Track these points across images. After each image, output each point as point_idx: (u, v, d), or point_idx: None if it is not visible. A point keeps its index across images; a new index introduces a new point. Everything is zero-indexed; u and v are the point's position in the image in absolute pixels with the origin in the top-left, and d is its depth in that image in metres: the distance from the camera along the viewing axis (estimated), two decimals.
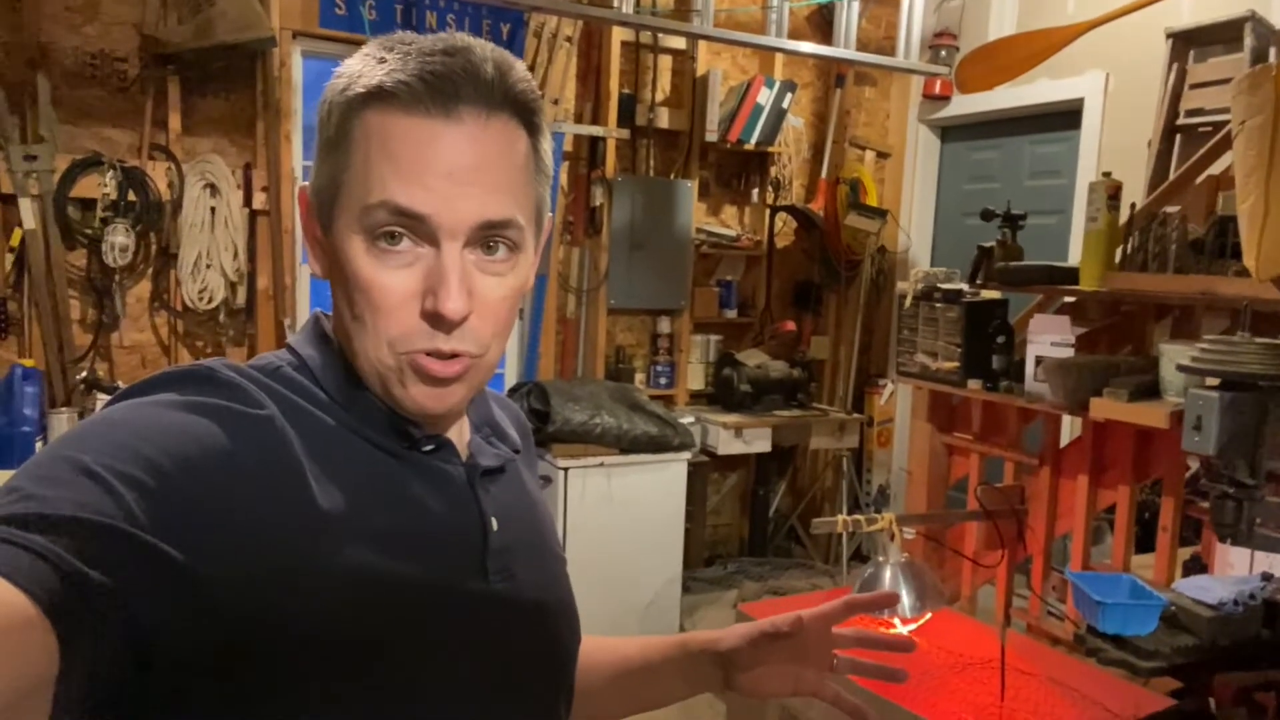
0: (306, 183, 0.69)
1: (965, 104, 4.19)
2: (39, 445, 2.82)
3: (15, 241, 2.98)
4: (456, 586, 0.67)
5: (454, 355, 0.65)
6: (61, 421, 2.90)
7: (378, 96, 0.63)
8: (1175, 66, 2.76)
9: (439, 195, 0.62)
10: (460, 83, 0.62)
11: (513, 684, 0.71)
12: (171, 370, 0.63)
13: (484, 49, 0.64)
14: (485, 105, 0.63)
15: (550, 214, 0.74)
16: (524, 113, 0.66)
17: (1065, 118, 3.81)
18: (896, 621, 1.88)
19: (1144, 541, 2.23)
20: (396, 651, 0.62)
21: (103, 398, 3.00)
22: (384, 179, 0.62)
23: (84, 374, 3.08)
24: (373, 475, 0.66)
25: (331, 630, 0.59)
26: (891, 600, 0.98)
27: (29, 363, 2.99)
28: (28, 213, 2.95)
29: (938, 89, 4.28)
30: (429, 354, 0.64)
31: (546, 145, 0.69)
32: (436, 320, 0.63)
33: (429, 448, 0.70)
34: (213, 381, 0.63)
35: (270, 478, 0.59)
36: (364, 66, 0.64)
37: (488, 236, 0.65)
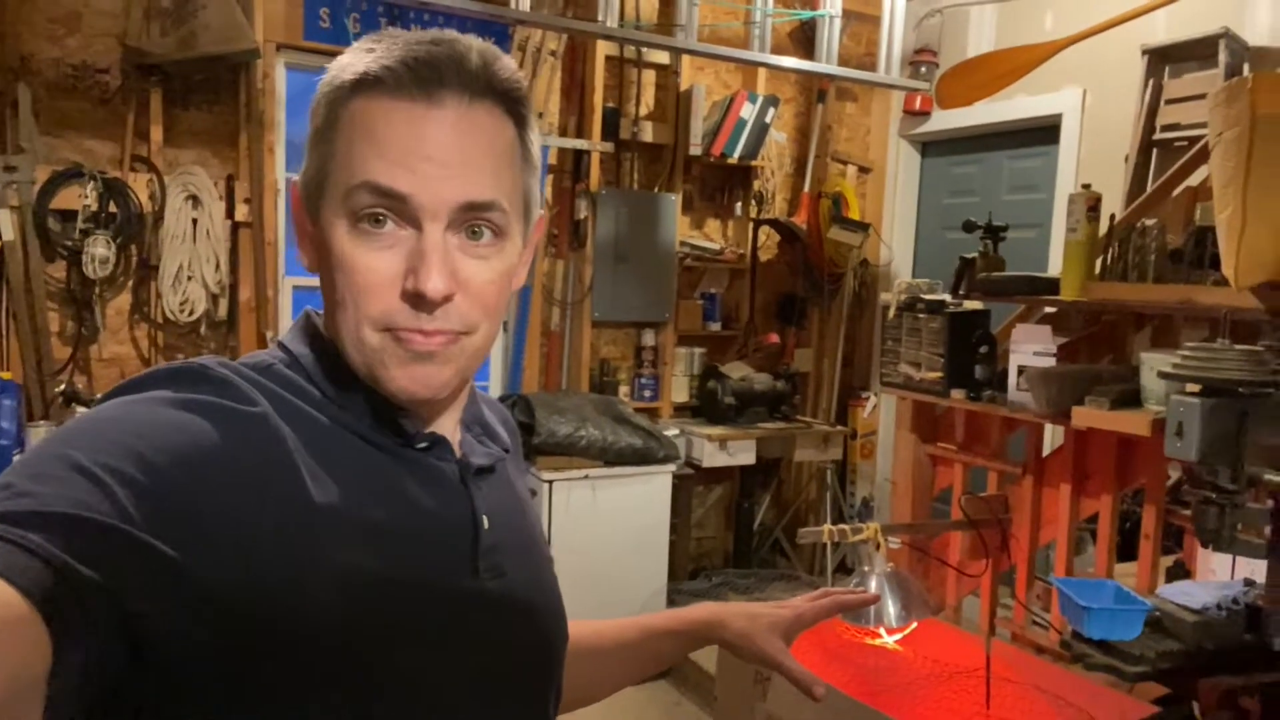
0: (297, 176, 0.70)
1: (945, 119, 4.23)
2: (16, 459, 2.78)
3: None
4: (448, 583, 0.67)
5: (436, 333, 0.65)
6: (40, 435, 2.87)
7: (363, 83, 0.64)
8: (1151, 82, 2.81)
9: (420, 176, 0.63)
10: (444, 69, 0.63)
11: (502, 680, 0.71)
12: (163, 367, 0.63)
13: (470, 40, 0.65)
14: (468, 91, 0.64)
15: (541, 210, 0.74)
16: (509, 102, 0.67)
17: (1043, 133, 3.86)
18: (882, 631, 1.88)
19: (1125, 551, 2.25)
20: (388, 647, 0.62)
21: (82, 411, 2.96)
22: (366, 161, 0.63)
23: (63, 387, 3.03)
24: (367, 472, 0.66)
25: (324, 625, 0.59)
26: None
27: (7, 375, 2.96)
28: (7, 224, 2.92)
29: (918, 104, 4.33)
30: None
31: (534, 137, 0.70)
32: (418, 300, 0.64)
33: (423, 445, 0.70)
34: (205, 378, 0.62)
35: (264, 475, 0.59)
36: (353, 58, 0.65)
37: (471, 220, 0.65)
